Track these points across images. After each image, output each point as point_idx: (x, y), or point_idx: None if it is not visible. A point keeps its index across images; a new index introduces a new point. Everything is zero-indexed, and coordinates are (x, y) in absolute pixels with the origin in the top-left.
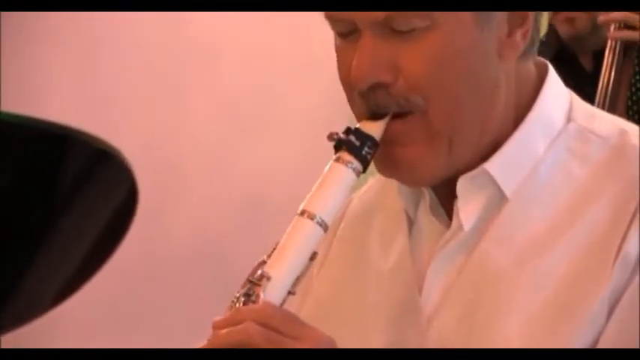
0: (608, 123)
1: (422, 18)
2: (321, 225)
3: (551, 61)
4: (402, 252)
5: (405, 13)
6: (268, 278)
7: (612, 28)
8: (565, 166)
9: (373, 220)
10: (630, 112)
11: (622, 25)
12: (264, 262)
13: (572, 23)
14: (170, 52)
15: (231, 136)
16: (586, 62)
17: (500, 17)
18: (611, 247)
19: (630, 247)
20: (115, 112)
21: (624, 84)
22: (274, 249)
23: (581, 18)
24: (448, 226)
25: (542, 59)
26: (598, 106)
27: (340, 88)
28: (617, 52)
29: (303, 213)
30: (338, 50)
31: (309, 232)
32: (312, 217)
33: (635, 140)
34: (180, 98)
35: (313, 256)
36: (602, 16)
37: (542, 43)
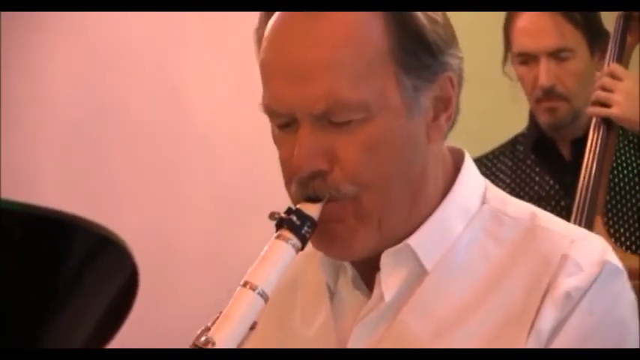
0: (519, 206)
1: (358, 110)
2: (262, 296)
3: (532, 150)
4: (325, 321)
5: (343, 106)
6: (213, 344)
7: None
8: (481, 244)
9: (296, 291)
10: (612, 193)
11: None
12: (208, 329)
13: (554, 112)
14: (165, 141)
15: (225, 223)
16: (565, 151)
17: (427, 103)
18: (524, 322)
19: (542, 323)
20: (112, 198)
21: (606, 170)
22: (218, 317)
23: (562, 108)
24: (369, 297)
25: (457, 147)
26: (581, 191)
27: None
28: (600, 131)
29: (245, 284)
30: (277, 140)
31: (251, 303)
32: (253, 289)
33: (544, 223)
34: (176, 184)
35: (253, 326)
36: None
37: (522, 133)
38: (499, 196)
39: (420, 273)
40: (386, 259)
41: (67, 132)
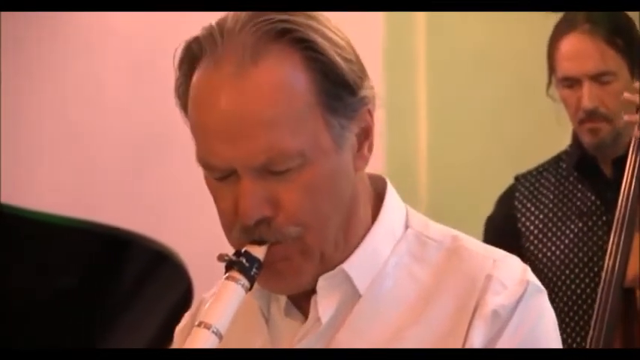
0: (440, 229)
1: (295, 158)
2: (216, 334)
3: (574, 167)
4: (263, 345)
5: (282, 156)
6: None
7: (636, 128)
8: (408, 267)
9: (231, 320)
10: None
11: None
12: None
13: (596, 133)
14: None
15: None
16: (606, 169)
17: (352, 138)
18: (456, 340)
19: (473, 340)
20: (172, 215)
21: None
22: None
23: (604, 129)
24: (303, 322)
25: (378, 174)
26: (620, 207)
27: None
28: (638, 151)
29: (200, 324)
30: (213, 190)
31: (207, 341)
32: (208, 327)
33: (466, 244)
34: None
35: None
36: (627, 116)
37: (565, 151)
38: (421, 219)
39: (353, 296)
40: (322, 283)
41: (130, 157)
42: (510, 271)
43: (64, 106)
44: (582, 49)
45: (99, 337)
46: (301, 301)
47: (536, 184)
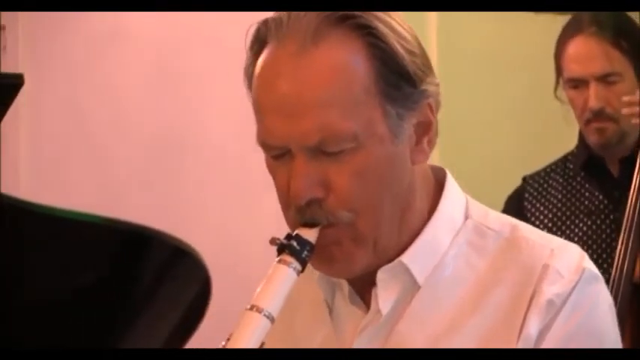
0: (500, 218)
1: (348, 141)
2: (268, 318)
3: (581, 168)
4: (327, 335)
5: (335, 137)
6: None
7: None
8: (466, 257)
9: (296, 308)
10: None
11: None
12: None
13: (603, 133)
14: (240, 160)
15: None
16: (613, 168)
17: (410, 130)
18: (513, 328)
19: (529, 329)
20: (194, 216)
21: None
22: (228, 339)
23: (610, 128)
24: (366, 311)
25: (439, 166)
26: (630, 206)
27: None
28: None
29: (252, 307)
30: (271, 169)
31: (259, 325)
32: (260, 311)
33: (525, 233)
34: (247, 203)
35: (261, 346)
36: (626, 110)
37: (572, 152)
38: (480, 209)
39: (413, 287)
40: (381, 276)
41: (149, 156)
42: (567, 260)
43: (79, 107)
44: (589, 51)
45: (120, 333)
46: (364, 291)
47: (545, 185)
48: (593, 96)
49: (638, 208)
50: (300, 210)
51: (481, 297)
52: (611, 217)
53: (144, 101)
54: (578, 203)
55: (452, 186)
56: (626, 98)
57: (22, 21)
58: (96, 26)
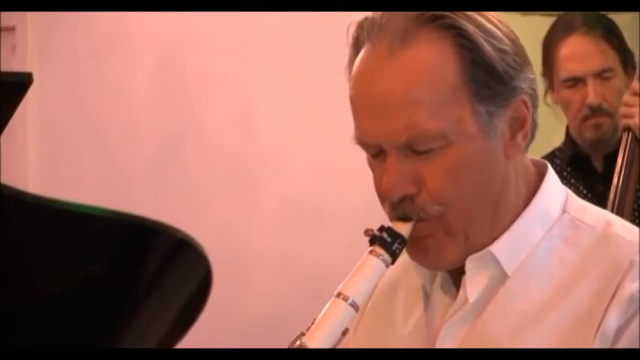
0: (596, 214)
1: (437, 139)
2: (352, 306)
3: (568, 163)
4: (419, 320)
5: (423, 136)
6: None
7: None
8: (559, 251)
9: (398, 292)
10: (635, 205)
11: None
12: (303, 334)
13: (600, 128)
14: (240, 157)
15: (293, 231)
16: (598, 164)
17: (502, 125)
18: (593, 321)
19: (609, 323)
20: (192, 205)
21: (632, 181)
22: (312, 323)
23: (607, 123)
24: (456, 298)
25: (541, 160)
26: (610, 199)
27: None
28: (627, 146)
29: (339, 295)
30: (371, 166)
31: (343, 312)
32: (345, 299)
33: (618, 230)
34: (248, 192)
35: (345, 332)
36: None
37: (559, 148)
38: (579, 204)
39: (501, 277)
40: (470, 264)
41: (154, 153)
42: None
43: (86, 105)
44: (585, 49)
45: (124, 323)
46: (457, 279)
47: None
48: (592, 92)
49: (617, 201)
50: (393, 206)
51: (567, 290)
52: None
53: (149, 99)
54: None
55: (551, 180)
56: (626, 98)
57: (32, 22)
58: (103, 27)
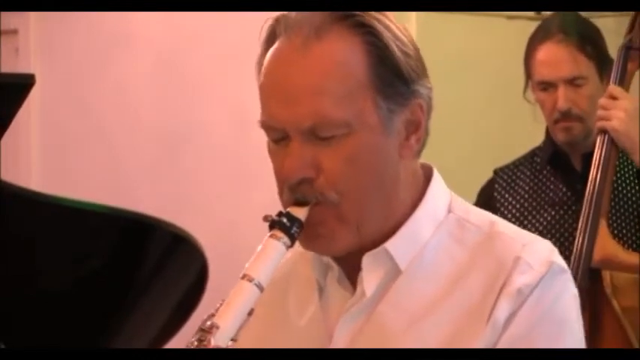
0: (480, 215)
1: (340, 127)
2: (258, 286)
3: (548, 162)
4: (315, 313)
5: (327, 123)
6: (217, 327)
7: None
8: (447, 247)
9: (290, 286)
10: (612, 203)
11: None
12: (212, 315)
13: (570, 131)
14: (240, 155)
15: None
16: (577, 163)
17: (399, 125)
18: (484, 313)
19: (499, 313)
20: (196, 208)
21: (608, 182)
22: (221, 304)
23: (577, 127)
24: (352, 293)
25: (428, 163)
26: (587, 197)
27: None
28: (604, 146)
29: (244, 277)
30: (271, 152)
31: (249, 292)
32: (251, 280)
33: (502, 229)
34: (245, 191)
35: (251, 312)
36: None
37: (539, 147)
38: (462, 205)
39: (395, 272)
40: (366, 260)
41: (154, 151)
42: (537, 253)
43: (89, 105)
44: (557, 56)
45: (121, 318)
46: (352, 274)
47: (513, 177)
48: (562, 98)
49: (594, 200)
50: (292, 188)
51: (458, 283)
52: (573, 208)
53: (150, 98)
54: (543, 195)
55: (437, 182)
56: (602, 101)
57: (34, 24)
58: (104, 28)
